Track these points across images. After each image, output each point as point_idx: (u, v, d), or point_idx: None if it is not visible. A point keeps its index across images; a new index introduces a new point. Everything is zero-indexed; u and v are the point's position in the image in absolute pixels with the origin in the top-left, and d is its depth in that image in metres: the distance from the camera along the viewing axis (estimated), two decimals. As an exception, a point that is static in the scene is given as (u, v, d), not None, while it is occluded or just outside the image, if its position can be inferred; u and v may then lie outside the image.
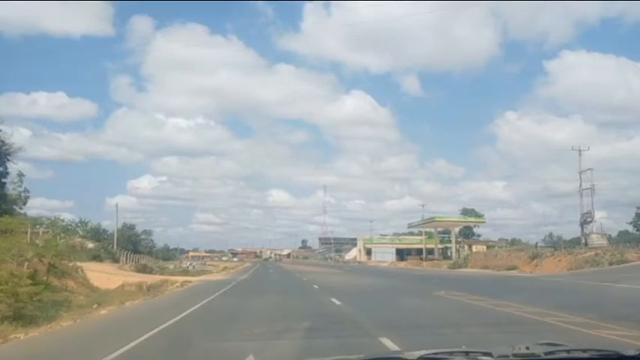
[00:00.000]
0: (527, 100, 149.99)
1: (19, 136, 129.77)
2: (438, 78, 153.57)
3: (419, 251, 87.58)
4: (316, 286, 23.05)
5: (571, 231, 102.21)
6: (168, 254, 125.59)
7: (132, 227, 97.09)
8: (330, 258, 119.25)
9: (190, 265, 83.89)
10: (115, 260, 56.52)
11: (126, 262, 55.54)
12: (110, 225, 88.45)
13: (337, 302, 14.71)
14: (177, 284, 28.51)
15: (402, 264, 75.26)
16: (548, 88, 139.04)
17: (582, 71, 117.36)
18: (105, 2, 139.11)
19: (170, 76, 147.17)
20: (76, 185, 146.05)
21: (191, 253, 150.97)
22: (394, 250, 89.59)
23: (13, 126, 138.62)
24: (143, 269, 42.52)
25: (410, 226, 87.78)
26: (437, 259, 74.72)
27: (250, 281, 31.28)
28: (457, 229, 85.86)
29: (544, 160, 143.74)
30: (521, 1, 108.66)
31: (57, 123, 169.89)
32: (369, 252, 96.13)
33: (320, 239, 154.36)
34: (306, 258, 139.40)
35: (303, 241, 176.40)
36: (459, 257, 74.81)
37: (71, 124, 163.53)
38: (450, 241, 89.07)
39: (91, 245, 62.75)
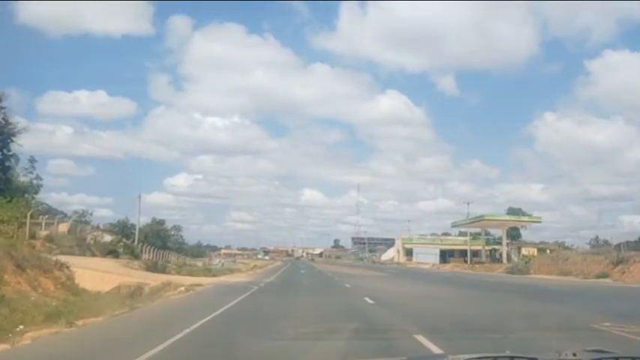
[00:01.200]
0: (567, 100, 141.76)
1: (61, 134, 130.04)
2: (475, 78, 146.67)
3: (462, 253, 78.59)
4: (370, 300, 15.12)
5: (611, 234, 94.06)
6: (199, 251, 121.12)
7: (161, 222, 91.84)
8: (366, 258, 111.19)
9: (219, 262, 78.14)
10: (135, 256, 49.74)
11: (147, 259, 49.24)
12: (142, 220, 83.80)
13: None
14: (182, 288, 21.21)
15: (447, 266, 66.49)
16: (590, 88, 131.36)
17: (625, 71, 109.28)
18: (145, 2, 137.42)
19: (207, 76, 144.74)
20: (115, 182, 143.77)
21: (223, 251, 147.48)
22: (438, 252, 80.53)
23: (55, 124, 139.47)
24: (154, 268, 35.41)
25: (454, 225, 78.78)
26: (484, 262, 65.70)
27: (276, 286, 23.72)
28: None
29: (583, 162, 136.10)
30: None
31: (98, 121, 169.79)
32: (408, 252, 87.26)
33: (353, 239, 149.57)
34: (338, 257, 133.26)
35: (336, 241, 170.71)
36: (509, 260, 66.02)
37: (111, 122, 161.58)
38: (496, 243, 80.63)
39: (108, 238, 56.62)
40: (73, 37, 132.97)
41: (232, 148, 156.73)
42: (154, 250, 61.74)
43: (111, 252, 47.70)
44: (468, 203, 77.29)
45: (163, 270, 35.50)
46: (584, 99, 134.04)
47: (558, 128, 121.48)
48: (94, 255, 44.09)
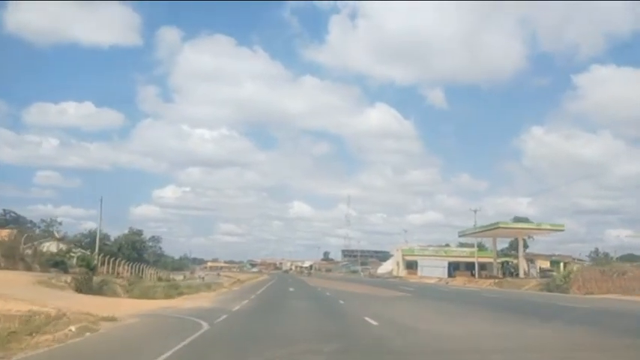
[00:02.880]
0: (555, 114, 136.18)
1: (47, 145, 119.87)
2: (463, 91, 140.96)
3: (468, 265, 68.76)
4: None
5: (600, 247, 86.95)
6: (181, 264, 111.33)
7: (139, 233, 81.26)
8: (361, 271, 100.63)
9: (199, 277, 69.23)
10: (91, 269, 39.13)
11: (108, 273, 39.14)
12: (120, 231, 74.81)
13: None
14: (72, 328, 10.84)
15: (457, 281, 56.31)
16: (578, 102, 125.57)
17: (612, 86, 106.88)
18: (134, 13, 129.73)
19: (196, 87, 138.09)
20: (101, 194, 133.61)
21: (209, 264, 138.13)
22: (447, 264, 70.38)
23: (42, 135, 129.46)
24: (87, 286, 24.75)
25: (462, 234, 68.73)
26: (497, 276, 55.61)
27: (245, 319, 13.25)
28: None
29: (571, 175, 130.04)
30: (549, 15, 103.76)
31: (85, 132, 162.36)
32: (409, 265, 76.95)
33: (343, 251, 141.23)
34: (329, 270, 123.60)
35: (325, 254, 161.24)
36: (527, 274, 56.27)
37: (99, 133, 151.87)
38: (504, 255, 71.31)
39: (63, 247, 45.98)
40: (61, 47, 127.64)
41: (221, 160, 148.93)
42: (123, 262, 51.79)
43: (57, 264, 37.43)
44: (475, 211, 67.60)
45: (100, 289, 24.99)
46: (572, 113, 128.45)
47: (546, 142, 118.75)
48: (29, 268, 34.19)
